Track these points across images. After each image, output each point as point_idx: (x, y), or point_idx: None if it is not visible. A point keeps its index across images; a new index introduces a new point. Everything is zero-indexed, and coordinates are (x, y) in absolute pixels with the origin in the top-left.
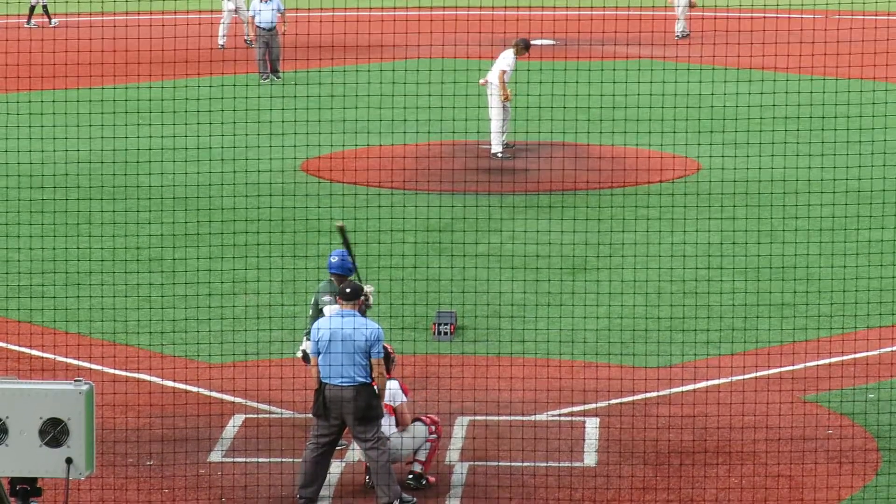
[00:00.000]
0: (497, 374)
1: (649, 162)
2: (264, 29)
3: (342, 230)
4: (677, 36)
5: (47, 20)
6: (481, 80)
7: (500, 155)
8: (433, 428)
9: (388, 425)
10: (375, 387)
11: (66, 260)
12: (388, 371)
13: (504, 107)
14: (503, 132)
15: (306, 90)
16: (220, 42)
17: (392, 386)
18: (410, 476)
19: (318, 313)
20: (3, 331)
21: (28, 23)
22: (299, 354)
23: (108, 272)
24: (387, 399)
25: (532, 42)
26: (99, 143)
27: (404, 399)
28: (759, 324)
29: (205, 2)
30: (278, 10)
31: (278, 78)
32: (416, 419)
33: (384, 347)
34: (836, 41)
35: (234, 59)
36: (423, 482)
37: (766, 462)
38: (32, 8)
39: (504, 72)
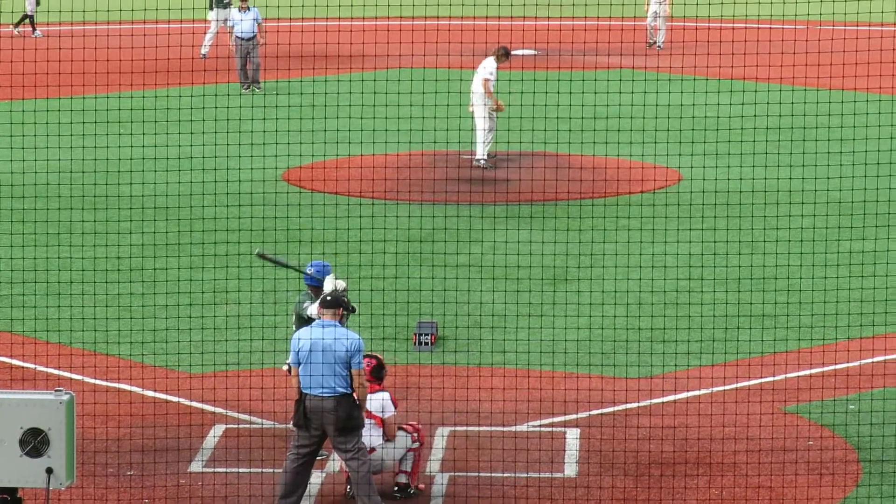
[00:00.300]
0: (478, 385)
1: (630, 172)
2: (244, 39)
3: (262, 256)
4: (659, 46)
5: (30, 30)
6: (469, 107)
7: (483, 163)
8: (415, 436)
9: (368, 435)
10: (356, 397)
11: (47, 269)
12: (381, 380)
13: (490, 116)
14: (486, 142)
15: (287, 100)
16: (203, 52)
17: (382, 397)
18: (396, 488)
19: (301, 325)
20: None
21: (16, 28)
22: (285, 368)
23: (89, 282)
24: (376, 410)
25: (513, 52)
26: (80, 153)
27: (393, 411)
28: (739, 335)
29: (186, 12)
30: (257, 20)
31: (259, 88)
32: (398, 427)
33: (377, 357)
34: (817, 52)
35: (215, 68)
36: (411, 491)
37: (746, 473)
38: (25, 16)
39: (487, 80)
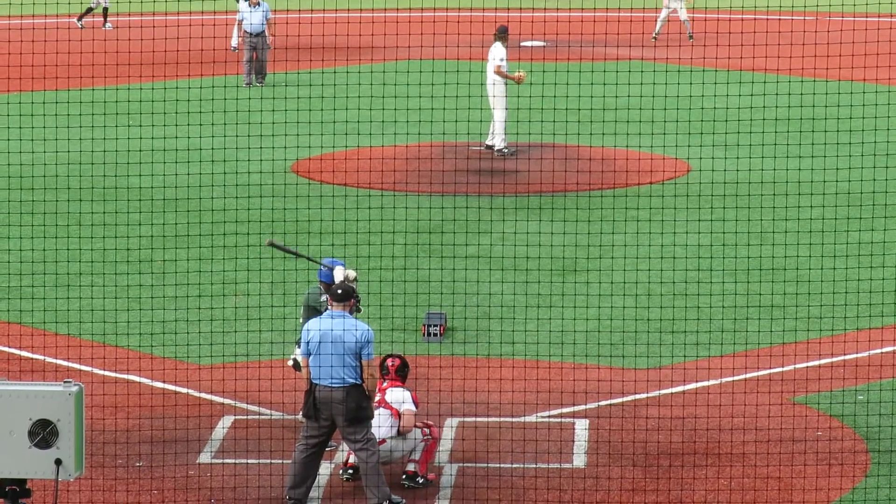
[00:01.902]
0: (486, 376)
1: (639, 163)
2: (252, 34)
3: (273, 245)
4: (690, 36)
5: (102, 21)
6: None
7: (505, 152)
8: (426, 430)
9: (378, 426)
10: (366, 388)
11: (56, 261)
12: (404, 379)
13: (506, 107)
14: (504, 133)
15: (296, 91)
16: (234, 44)
17: (403, 391)
18: (405, 476)
19: (310, 318)
20: None
21: (80, 21)
22: (290, 363)
23: (98, 273)
24: (394, 402)
25: (522, 44)
26: (89, 145)
27: (412, 409)
28: (748, 325)
29: (195, 4)
30: (266, 16)
31: (262, 83)
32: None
33: (400, 356)
34: (825, 42)
35: (224, 60)
36: (420, 480)
37: (755, 464)
38: (90, 9)
39: (499, 66)
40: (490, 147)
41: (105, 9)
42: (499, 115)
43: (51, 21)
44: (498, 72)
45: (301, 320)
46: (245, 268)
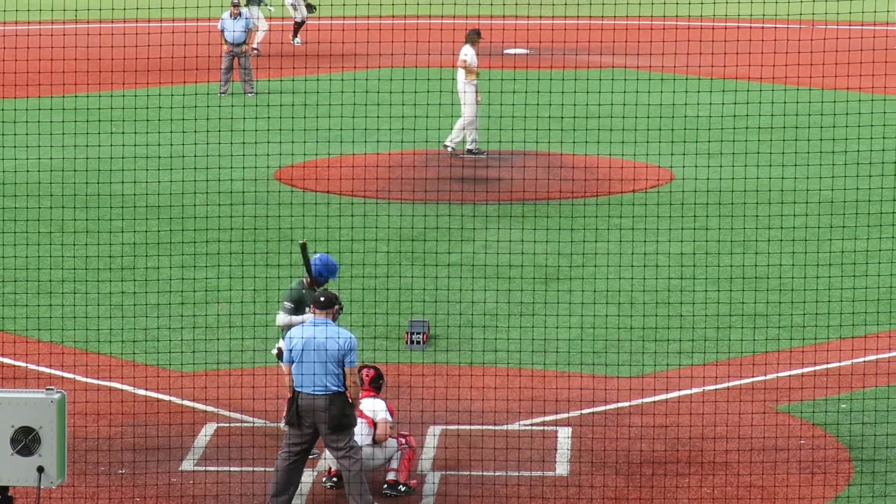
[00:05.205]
0: (469, 384)
1: (622, 171)
2: (234, 44)
3: (304, 249)
4: None
5: (292, 35)
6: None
7: (450, 149)
8: (402, 440)
9: (360, 434)
10: (349, 395)
11: (39, 268)
12: (378, 390)
13: (475, 103)
14: (464, 130)
15: (279, 99)
16: (254, 47)
17: (378, 401)
18: (386, 486)
19: (292, 308)
20: None
21: (294, 39)
22: (274, 351)
23: (81, 280)
24: (369, 412)
25: (506, 51)
26: (72, 152)
27: (388, 418)
28: (731, 334)
29: (179, 10)
30: (247, 27)
31: (251, 92)
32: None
33: (375, 368)
34: (809, 51)
35: (207, 67)
36: (402, 489)
37: (738, 472)
38: (299, 24)
39: (464, 61)
40: (447, 146)
41: (297, 23)
42: (467, 111)
43: (33, 28)
44: (462, 66)
45: (279, 313)
46: (228, 275)
